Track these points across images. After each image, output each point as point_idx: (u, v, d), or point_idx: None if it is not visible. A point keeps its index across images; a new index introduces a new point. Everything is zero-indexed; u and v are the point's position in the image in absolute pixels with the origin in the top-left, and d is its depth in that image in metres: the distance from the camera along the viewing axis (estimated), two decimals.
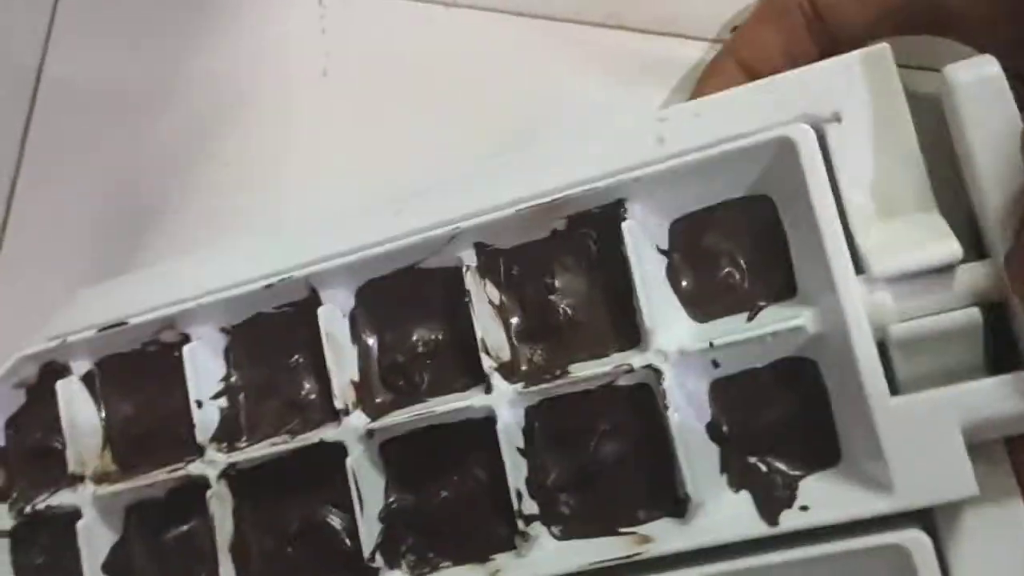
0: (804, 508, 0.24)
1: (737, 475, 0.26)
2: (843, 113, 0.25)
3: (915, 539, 0.23)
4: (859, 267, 0.24)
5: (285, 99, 0.36)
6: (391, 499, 0.28)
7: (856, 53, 0.25)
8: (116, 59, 0.39)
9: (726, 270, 0.27)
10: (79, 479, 0.31)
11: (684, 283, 0.27)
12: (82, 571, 0.30)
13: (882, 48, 0.25)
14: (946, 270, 0.23)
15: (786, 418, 0.26)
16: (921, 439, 0.23)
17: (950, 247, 0.23)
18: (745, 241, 0.27)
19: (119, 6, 0.39)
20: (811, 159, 0.24)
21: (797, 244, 0.26)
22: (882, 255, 0.24)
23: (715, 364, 0.26)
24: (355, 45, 0.36)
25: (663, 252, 0.27)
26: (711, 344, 0.25)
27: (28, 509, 0.31)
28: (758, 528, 0.24)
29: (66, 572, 0.31)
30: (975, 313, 0.23)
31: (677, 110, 0.27)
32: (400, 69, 0.35)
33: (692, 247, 0.27)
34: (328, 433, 0.28)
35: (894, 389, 0.23)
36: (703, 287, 0.27)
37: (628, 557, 0.25)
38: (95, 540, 0.31)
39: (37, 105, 0.39)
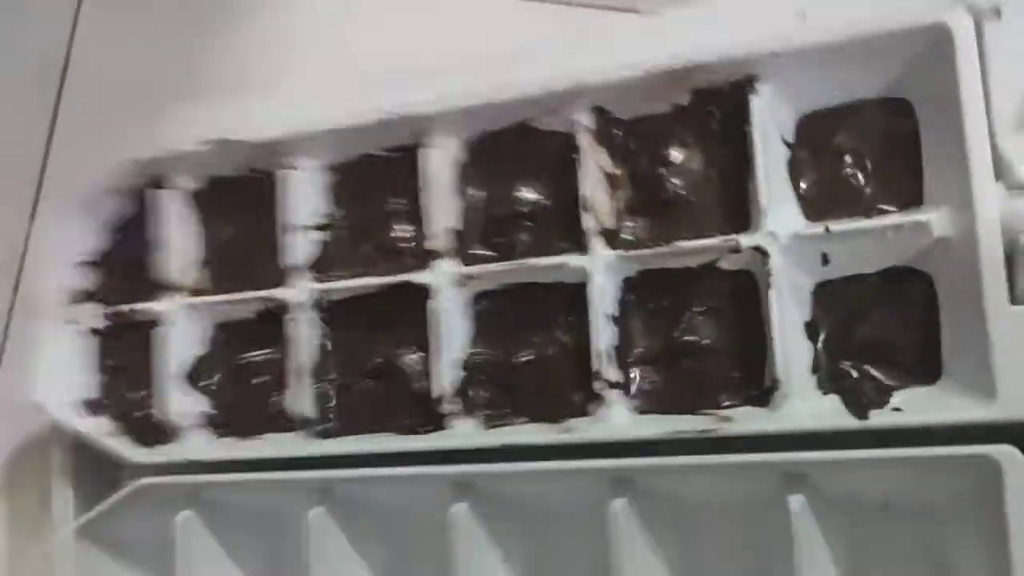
0: (897, 409, 0.23)
1: (827, 378, 0.25)
2: (1005, 9, 0.24)
3: (1008, 454, 0.22)
4: (997, 175, 0.23)
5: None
6: (475, 351, 0.28)
7: None
8: (141, 46, 0.39)
9: (851, 172, 0.26)
10: (175, 288, 0.32)
11: (804, 180, 0.26)
12: (165, 375, 0.31)
13: None
14: None
15: (889, 328, 0.25)
16: None
17: None
18: (876, 144, 0.26)
19: None
20: (966, 48, 0.23)
21: (932, 148, 0.25)
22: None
23: (825, 260, 0.25)
24: None
25: (787, 144, 0.26)
26: (827, 229, 0.24)
27: (123, 309, 0.32)
28: (845, 421, 0.24)
29: (147, 375, 0.32)
30: None
31: None
32: None
33: (818, 144, 0.26)
34: (417, 275, 0.28)
35: (1013, 300, 0.22)
36: (824, 186, 0.26)
37: (704, 431, 0.25)
38: (180, 348, 0.31)
39: (64, 92, 0.40)
